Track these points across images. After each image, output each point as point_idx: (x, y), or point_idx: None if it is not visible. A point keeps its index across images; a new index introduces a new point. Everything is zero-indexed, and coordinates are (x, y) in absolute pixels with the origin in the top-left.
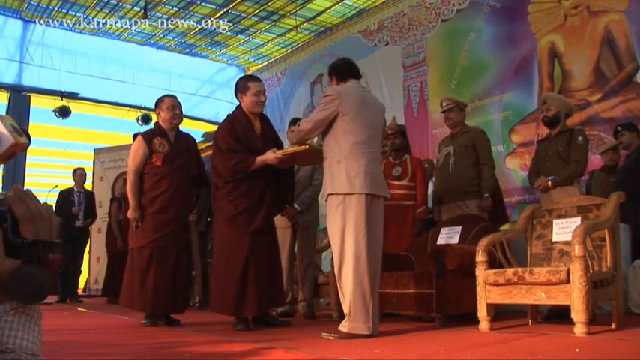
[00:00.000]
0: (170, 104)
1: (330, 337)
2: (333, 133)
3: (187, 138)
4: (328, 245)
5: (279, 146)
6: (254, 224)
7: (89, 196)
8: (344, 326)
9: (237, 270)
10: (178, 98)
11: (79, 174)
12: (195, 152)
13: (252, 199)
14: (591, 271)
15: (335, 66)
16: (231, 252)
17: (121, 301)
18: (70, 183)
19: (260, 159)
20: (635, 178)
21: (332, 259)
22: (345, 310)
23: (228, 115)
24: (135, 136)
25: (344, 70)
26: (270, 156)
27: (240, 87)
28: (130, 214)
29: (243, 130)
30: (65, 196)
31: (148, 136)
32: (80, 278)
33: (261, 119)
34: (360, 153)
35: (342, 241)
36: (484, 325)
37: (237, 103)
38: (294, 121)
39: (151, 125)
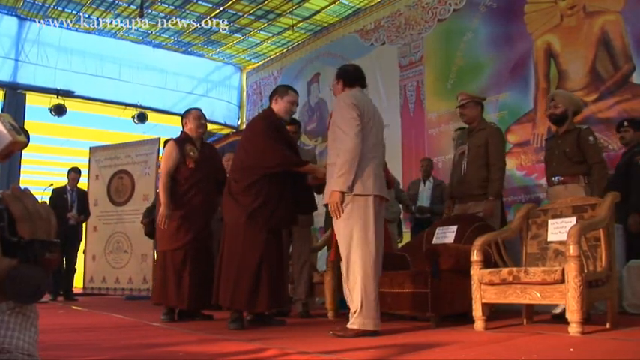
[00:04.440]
0: (197, 114)
1: (340, 335)
2: None
3: (211, 147)
4: (324, 245)
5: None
6: (271, 221)
7: (81, 195)
8: (354, 323)
9: (252, 264)
10: (174, 97)
11: (72, 177)
12: (219, 160)
13: (271, 196)
14: (586, 270)
15: (345, 70)
16: (247, 246)
17: (154, 299)
18: (65, 181)
19: (311, 167)
20: (626, 178)
21: (327, 259)
22: (353, 307)
23: (259, 114)
24: (166, 142)
25: (353, 76)
26: (321, 170)
27: (281, 91)
28: (161, 211)
29: (281, 128)
30: (58, 194)
31: (180, 142)
32: (74, 277)
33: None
34: (368, 157)
35: (351, 241)
36: (479, 324)
37: (234, 102)
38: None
39: (147, 124)
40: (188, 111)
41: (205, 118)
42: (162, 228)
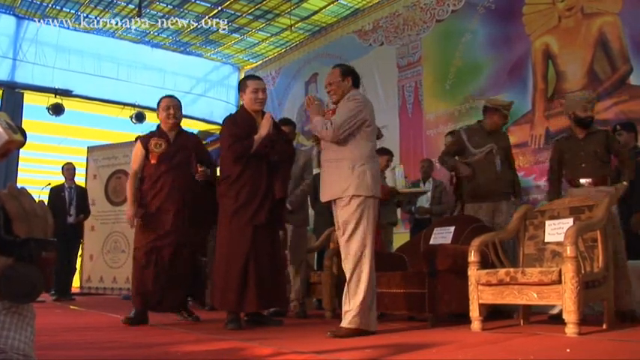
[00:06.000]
0: (165, 105)
1: (338, 335)
2: (355, 136)
3: (189, 137)
4: (321, 245)
5: (284, 144)
6: (255, 218)
7: (80, 192)
8: (351, 323)
9: (238, 264)
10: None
11: (66, 168)
12: (197, 150)
13: (252, 193)
14: (583, 271)
15: (353, 70)
16: (233, 246)
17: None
18: (62, 180)
19: (256, 136)
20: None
21: (324, 259)
22: (355, 307)
23: (231, 114)
24: (136, 140)
25: (357, 77)
26: (263, 131)
27: (240, 86)
28: (127, 211)
29: (244, 124)
30: (56, 192)
31: (145, 138)
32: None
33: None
34: (374, 159)
35: (363, 241)
36: (476, 325)
37: (232, 102)
38: (285, 121)
39: (145, 123)
40: (159, 100)
41: (178, 107)
42: (131, 228)
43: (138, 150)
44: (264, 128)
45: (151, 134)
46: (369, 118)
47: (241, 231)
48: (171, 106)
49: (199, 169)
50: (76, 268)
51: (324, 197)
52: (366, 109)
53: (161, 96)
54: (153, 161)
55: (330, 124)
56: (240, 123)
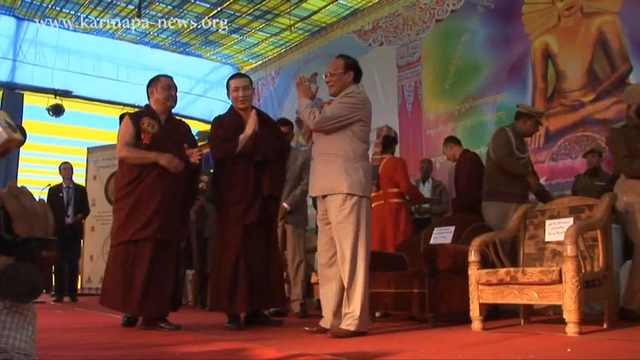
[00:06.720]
0: (166, 84)
1: (339, 336)
2: (348, 133)
3: (180, 123)
4: None
5: (273, 139)
6: (246, 218)
7: (79, 191)
8: (352, 325)
9: (229, 265)
10: None
11: (63, 168)
12: (188, 137)
13: (241, 193)
14: (583, 271)
15: (356, 64)
16: (225, 247)
17: (101, 301)
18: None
19: (241, 136)
20: None
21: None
22: (354, 309)
23: (219, 115)
24: (122, 117)
25: (359, 72)
26: (248, 130)
27: (226, 87)
28: (166, 163)
29: (231, 124)
30: (54, 193)
31: (135, 116)
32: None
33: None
34: (367, 160)
35: (356, 242)
36: (476, 324)
37: (230, 101)
38: (283, 122)
39: None
40: (156, 78)
41: (176, 88)
42: (179, 169)
43: (128, 127)
44: (249, 127)
45: (141, 113)
46: (364, 118)
47: (232, 231)
48: (172, 86)
49: (193, 151)
50: (77, 268)
51: (314, 191)
52: (363, 109)
53: (158, 74)
54: (145, 142)
55: (317, 112)
56: (226, 124)
